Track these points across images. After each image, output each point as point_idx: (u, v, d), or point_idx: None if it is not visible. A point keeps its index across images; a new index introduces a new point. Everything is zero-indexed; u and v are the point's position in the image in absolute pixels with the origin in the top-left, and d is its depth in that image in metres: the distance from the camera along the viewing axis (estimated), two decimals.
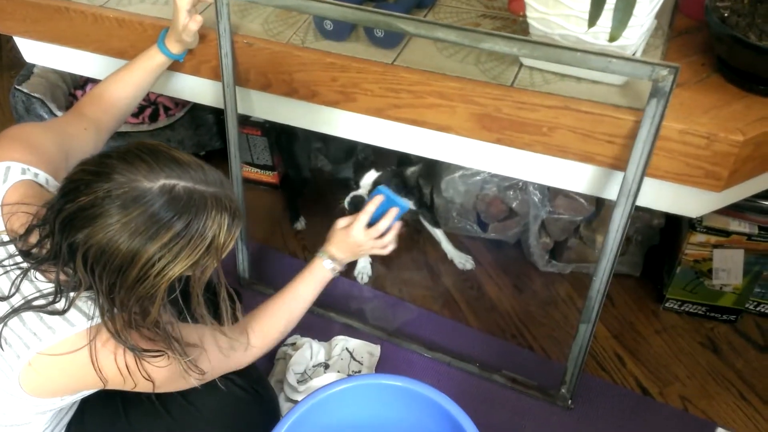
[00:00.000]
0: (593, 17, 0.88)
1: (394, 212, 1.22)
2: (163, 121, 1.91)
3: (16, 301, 0.87)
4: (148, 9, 1.35)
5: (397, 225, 1.24)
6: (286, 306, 1.19)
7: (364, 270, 1.69)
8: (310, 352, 1.47)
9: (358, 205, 1.40)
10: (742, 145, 0.99)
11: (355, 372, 1.45)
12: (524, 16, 1.10)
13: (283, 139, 1.73)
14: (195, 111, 1.89)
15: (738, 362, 1.49)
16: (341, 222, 1.24)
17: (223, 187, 0.89)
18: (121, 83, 1.25)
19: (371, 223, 1.23)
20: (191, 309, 0.94)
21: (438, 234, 1.72)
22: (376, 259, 1.71)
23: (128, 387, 0.93)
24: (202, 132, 1.93)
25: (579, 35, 1.03)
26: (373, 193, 1.25)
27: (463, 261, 1.72)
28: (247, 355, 1.13)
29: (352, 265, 1.69)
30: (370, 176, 1.43)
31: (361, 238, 1.21)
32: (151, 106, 1.98)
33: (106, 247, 0.81)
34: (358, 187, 1.46)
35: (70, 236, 0.82)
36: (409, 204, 1.26)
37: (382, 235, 1.23)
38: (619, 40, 0.88)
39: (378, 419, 1.19)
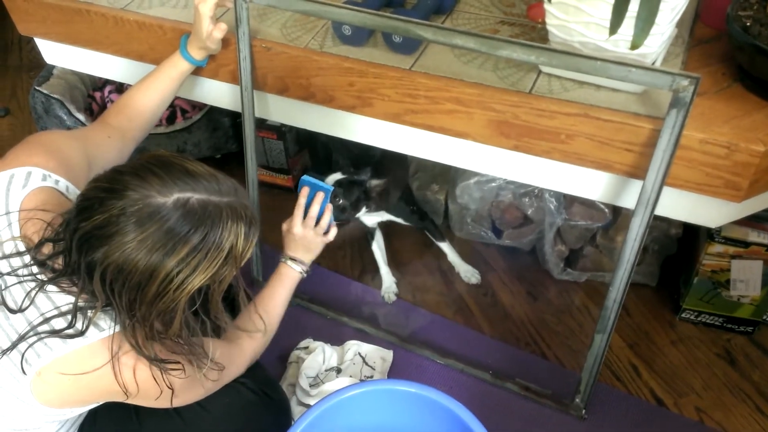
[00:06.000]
0: (614, 25, 0.88)
1: (320, 197, 1.28)
2: (180, 123, 1.92)
3: (32, 315, 0.87)
4: (168, 12, 1.36)
5: (329, 208, 1.29)
6: (262, 310, 1.22)
7: (389, 289, 1.68)
8: (322, 356, 1.47)
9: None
10: (763, 156, 0.98)
11: (368, 377, 1.45)
12: (543, 23, 1.09)
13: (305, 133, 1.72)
14: (212, 114, 1.90)
15: (755, 374, 1.47)
16: (284, 226, 1.30)
17: (238, 195, 0.89)
18: (146, 92, 1.26)
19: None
20: (210, 316, 0.95)
21: (444, 247, 1.70)
22: (390, 266, 1.71)
23: (147, 400, 0.94)
24: (218, 135, 1.94)
25: (599, 43, 1.03)
26: (299, 185, 1.30)
27: (468, 275, 1.70)
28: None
29: (378, 284, 1.69)
30: (334, 177, 1.43)
31: (302, 231, 1.27)
32: (169, 108, 1.99)
33: (124, 264, 0.81)
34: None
35: (87, 255, 0.82)
36: (332, 187, 1.32)
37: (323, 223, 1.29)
38: (639, 48, 0.87)
39: (390, 425, 1.18)
